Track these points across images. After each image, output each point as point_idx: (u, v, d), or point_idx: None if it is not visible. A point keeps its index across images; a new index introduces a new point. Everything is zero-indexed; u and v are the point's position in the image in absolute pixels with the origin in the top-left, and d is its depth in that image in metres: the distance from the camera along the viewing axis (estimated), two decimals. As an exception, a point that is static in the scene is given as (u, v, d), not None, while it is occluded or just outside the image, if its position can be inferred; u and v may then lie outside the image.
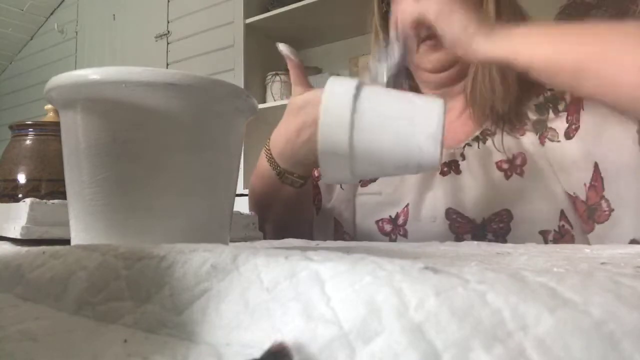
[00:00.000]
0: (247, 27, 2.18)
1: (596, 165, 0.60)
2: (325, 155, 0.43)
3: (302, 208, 0.71)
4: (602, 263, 0.26)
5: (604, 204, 0.59)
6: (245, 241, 0.56)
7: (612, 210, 0.59)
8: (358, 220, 0.73)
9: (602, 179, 0.60)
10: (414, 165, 0.43)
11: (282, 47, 0.56)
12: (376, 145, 0.42)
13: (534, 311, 0.13)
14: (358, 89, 0.43)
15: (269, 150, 0.60)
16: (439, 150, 0.41)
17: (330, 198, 0.77)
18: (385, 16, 0.72)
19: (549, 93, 0.66)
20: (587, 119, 0.62)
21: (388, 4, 0.70)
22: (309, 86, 0.56)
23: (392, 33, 0.59)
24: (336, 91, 0.43)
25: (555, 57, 0.48)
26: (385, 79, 0.55)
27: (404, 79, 0.64)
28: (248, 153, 1.78)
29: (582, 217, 0.61)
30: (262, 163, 0.62)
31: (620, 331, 0.13)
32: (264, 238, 0.63)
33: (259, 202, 0.68)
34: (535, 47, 0.50)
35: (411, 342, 0.14)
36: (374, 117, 0.42)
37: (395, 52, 0.57)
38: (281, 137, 0.58)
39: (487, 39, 0.51)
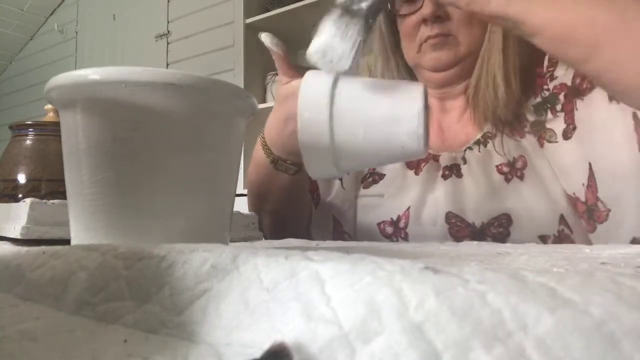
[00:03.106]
0: (247, 27, 2.18)
1: (590, 166, 0.60)
2: (308, 151, 0.42)
3: (298, 200, 0.71)
4: (602, 263, 0.26)
5: (600, 205, 0.59)
6: (245, 241, 0.56)
7: (609, 210, 0.59)
8: (359, 221, 0.73)
9: (595, 179, 0.59)
10: (399, 159, 0.42)
11: (265, 38, 0.53)
12: (358, 142, 0.41)
13: (534, 311, 0.13)
14: (335, 82, 0.41)
15: (264, 138, 0.61)
16: (422, 145, 0.40)
17: (329, 193, 0.77)
18: (390, 15, 0.71)
19: (547, 93, 0.66)
20: (581, 119, 0.62)
21: (392, 3, 0.70)
22: (295, 75, 0.55)
23: None
24: (313, 86, 0.42)
25: (574, 24, 0.44)
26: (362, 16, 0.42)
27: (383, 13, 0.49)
28: (248, 153, 1.78)
29: (583, 217, 0.61)
30: (258, 151, 0.63)
31: (620, 331, 0.13)
32: (264, 236, 0.63)
33: (255, 192, 0.68)
34: (555, 7, 0.45)
35: (411, 342, 0.14)
36: (353, 113, 0.41)
37: None
38: (272, 126, 0.58)
39: None
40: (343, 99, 0.41)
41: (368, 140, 0.41)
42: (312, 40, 0.41)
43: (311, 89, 0.42)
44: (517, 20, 0.46)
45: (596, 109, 0.60)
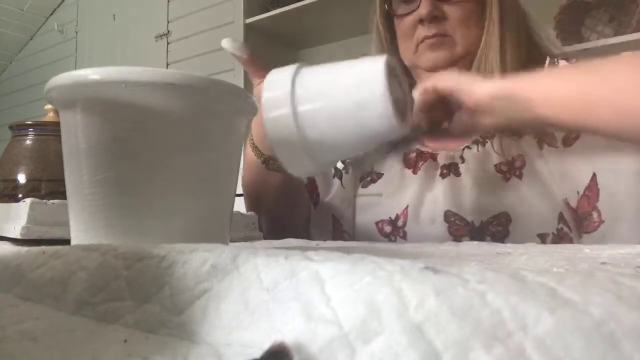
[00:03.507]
0: (247, 27, 2.17)
1: (594, 176, 0.60)
2: (280, 151, 0.40)
3: (293, 198, 0.71)
4: (602, 263, 0.26)
5: (594, 215, 0.60)
6: (245, 241, 0.56)
7: (602, 222, 0.59)
8: (358, 220, 0.74)
9: (598, 189, 0.60)
10: (378, 142, 0.41)
11: (226, 44, 0.51)
12: (328, 134, 0.39)
13: (534, 311, 0.13)
14: (294, 77, 0.40)
15: (252, 139, 0.61)
16: (395, 124, 0.38)
17: (328, 192, 0.77)
18: (388, 15, 0.72)
19: None
20: None
21: (390, 3, 0.70)
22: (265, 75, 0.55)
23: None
24: (273, 85, 0.40)
25: (559, 85, 0.47)
26: None
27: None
28: (248, 153, 1.78)
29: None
30: (248, 153, 0.63)
31: (620, 331, 0.13)
32: (264, 236, 0.63)
33: (250, 193, 0.68)
34: (536, 80, 0.48)
35: (411, 342, 0.14)
36: (315, 105, 0.39)
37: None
38: (256, 126, 0.59)
39: (489, 80, 0.50)
40: (303, 93, 0.39)
41: (338, 130, 0.39)
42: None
43: (271, 88, 0.40)
44: (506, 97, 0.48)
45: None
